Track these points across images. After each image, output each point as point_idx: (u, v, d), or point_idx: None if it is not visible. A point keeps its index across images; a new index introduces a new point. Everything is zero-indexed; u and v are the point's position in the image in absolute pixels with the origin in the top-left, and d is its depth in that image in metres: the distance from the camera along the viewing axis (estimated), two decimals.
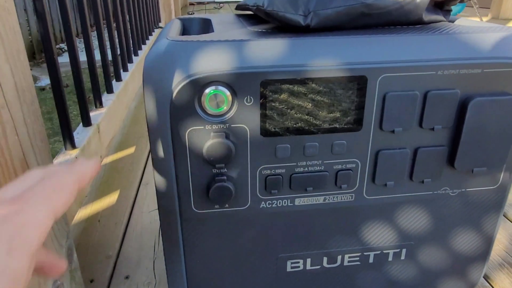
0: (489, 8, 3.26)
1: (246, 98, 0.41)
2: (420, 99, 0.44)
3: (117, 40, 1.34)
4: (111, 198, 0.91)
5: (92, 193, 0.94)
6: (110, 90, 1.17)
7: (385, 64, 0.42)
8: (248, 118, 0.42)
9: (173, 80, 0.40)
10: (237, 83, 0.41)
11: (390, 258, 0.54)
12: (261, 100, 0.42)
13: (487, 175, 0.50)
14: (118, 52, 1.33)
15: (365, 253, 0.53)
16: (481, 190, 0.51)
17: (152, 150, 0.44)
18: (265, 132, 0.43)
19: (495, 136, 0.46)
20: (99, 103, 1.04)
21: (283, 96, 0.42)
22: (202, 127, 0.42)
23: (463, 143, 0.46)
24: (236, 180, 0.45)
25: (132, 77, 1.43)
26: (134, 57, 1.59)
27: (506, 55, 0.44)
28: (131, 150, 1.16)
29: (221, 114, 0.42)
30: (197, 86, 0.40)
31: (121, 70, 1.36)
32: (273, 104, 0.42)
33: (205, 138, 0.42)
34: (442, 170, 0.48)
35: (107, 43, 1.19)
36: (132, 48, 1.57)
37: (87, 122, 0.91)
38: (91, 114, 0.99)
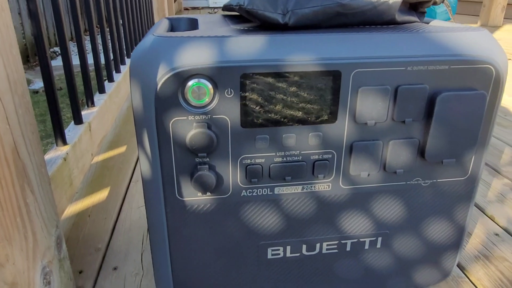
0: (478, 16, 3.33)
1: (227, 90, 0.44)
2: (391, 93, 0.47)
3: (110, 42, 1.37)
4: (102, 195, 0.93)
5: (83, 190, 0.96)
6: (102, 90, 1.19)
7: (358, 60, 0.45)
8: (229, 110, 0.45)
9: (157, 73, 0.43)
10: (218, 76, 0.43)
11: (366, 246, 0.57)
12: (241, 93, 0.44)
13: (456, 166, 0.53)
14: (111, 54, 1.35)
15: (342, 241, 0.56)
16: (451, 181, 0.54)
17: (138, 140, 0.47)
18: (245, 123, 0.46)
19: (463, 129, 0.49)
20: (91, 102, 1.06)
21: (262, 89, 0.44)
22: (185, 117, 0.45)
23: (432, 135, 0.49)
24: (218, 169, 0.48)
25: (125, 78, 1.45)
26: (127, 59, 1.61)
27: (471, 52, 0.47)
28: (122, 149, 1.18)
29: (203, 106, 0.44)
30: (181, 78, 0.43)
31: (114, 71, 1.38)
32: (252, 96, 0.45)
33: (188, 128, 0.45)
34: (414, 161, 0.51)
35: (100, 46, 1.21)
36: (125, 51, 1.59)
37: (78, 120, 0.93)
38: (83, 112, 1.01)
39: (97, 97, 1.15)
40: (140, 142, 0.47)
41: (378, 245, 0.57)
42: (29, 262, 0.50)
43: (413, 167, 0.51)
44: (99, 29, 1.28)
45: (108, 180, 1.00)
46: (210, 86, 0.44)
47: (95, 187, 0.97)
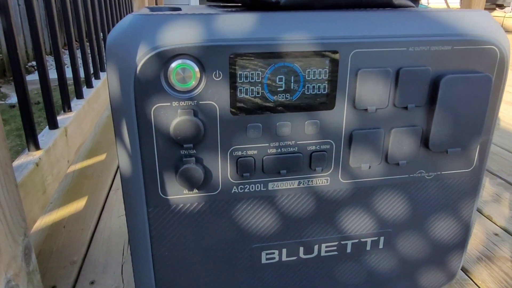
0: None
1: (214, 73, 0.40)
2: (392, 76, 0.43)
3: (88, 48, 1.31)
4: (79, 204, 0.87)
5: (58, 199, 0.89)
6: (80, 95, 1.13)
7: (357, 39, 0.42)
8: (217, 95, 0.41)
9: (137, 53, 0.38)
10: (205, 56, 0.39)
11: (368, 247, 0.52)
12: (230, 76, 0.40)
13: (462, 157, 0.49)
14: (90, 59, 1.30)
15: (342, 242, 0.51)
16: (456, 173, 0.50)
17: (116, 131, 0.42)
18: (235, 110, 0.41)
19: (468, 115, 0.46)
20: (67, 107, 1.00)
21: (254, 71, 0.40)
22: (169, 103, 0.40)
23: (436, 122, 0.46)
24: (205, 162, 0.43)
25: (104, 84, 1.40)
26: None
27: (475, 32, 0.44)
28: (101, 157, 1.12)
29: (188, 90, 0.40)
30: (163, 59, 0.38)
31: (93, 78, 1.33)
32: (243, 79, 0.40)
33: (172, 116, 0.40)
34: (417, 151, 0.47)
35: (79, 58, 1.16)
36: (104, 58, 1.53)
37: (53, 124, 0.87)
38: (59, 117, 0.95)
39: (74, 102, 1.09)
40: (118, 134, 0.42)
41: (381, 246, 0.53)
42: None
43: (417, 158, 0.48)
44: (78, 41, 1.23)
45: (86, 189, 0.93)
46: (196, 67, 0.39)
47: (72, 196, 0.90)
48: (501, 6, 4.53)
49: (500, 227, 0.82)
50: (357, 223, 0.50)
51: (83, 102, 1.09)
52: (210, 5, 0.60)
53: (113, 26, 1.70)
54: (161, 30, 0.38)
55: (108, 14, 1.63)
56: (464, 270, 0.68)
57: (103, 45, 1.51)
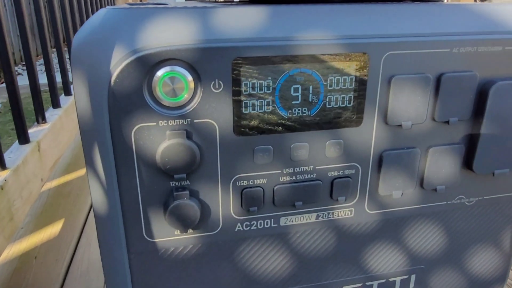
0: None
1: (213, 83, 0.31)
2: (432, 84, 0.35)
3: (67, 53, 1.21)
4: (53, 229, 0.76)
5: (30, 223, 0.79)
6: (56, 104, 1.02)
7: (391, 39, 0.33)
8: (216, 111, 0.32)
9: (111, 59, 0.29)
10: (200, 62, 0.30)
11: (397, 287, 0.44)
12: (233, 86, 0.31)
13: (509, 178, 0.41)
14: (68, 64, 1.19)
15: (367, 283, 0.42)
16: (502, 198, 0.42)
17: (87, 159, 0.33)
18: (240, 130, 0.33)
19: None
20: (41, 118, 0.90)
21: (263, 80, 0.32)
22: (154, 123, 0.31)
23: (483, 139, 0.37)
24: (202, 195, 0.34)
25: None
26: None
27: None
28: (81, 172, 1.01)
29: (180, 106, 0.31)
30: (146, 65, 0.29)
31: (72, 85, 1.22)
32: (249, 91, 0.32)
33: (158, 139, 0.31)
34: (458, 174, 0.39)
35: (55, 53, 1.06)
36: None
37: (24, 138, 0.77)
38: (31, 130, 0.85)
39: (50, 112, 0.99)
40: (89, 163, 0.32)
41: (411, 285, 0.44)
42: None
43: (457, 182, 0.40)
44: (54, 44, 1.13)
45: (63, 210, 0.83)
46: (189, 76, 0.30)
47: (46, 219, 0.80)
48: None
49: None
50: (384, 261, 0.42)
51: (60, 112, 0.99)
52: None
53: None
54: (143, 27, 0.29)
55: (88, 16, 1.53)
56: None
57: None
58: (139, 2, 0.51)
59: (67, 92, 1.14)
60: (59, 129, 0.96)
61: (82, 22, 1.45)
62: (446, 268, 0.45)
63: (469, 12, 0.36)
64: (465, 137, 0.38)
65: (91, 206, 0.86)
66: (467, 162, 0.39)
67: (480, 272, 0.46)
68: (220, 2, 0.39)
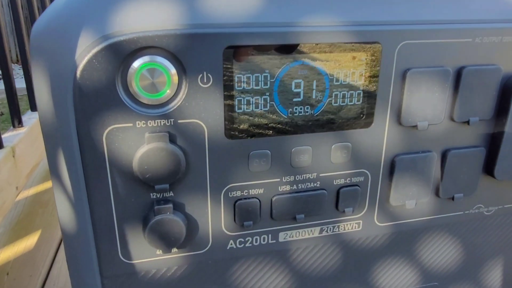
0: None
1: (201, 76, 0.26)
2: (452, 79, 0.31)
3: None
4: (28, 242, 0.71)
5: (3, 236, 0.72)
6: (35, 107, 0.96)
7: (407, 26, 0.29)
8: (205, 110, 0.27)
9: (76, 47, 0.24)
10: (186, 51, 0.25)
11: None
12: (224, 80, 0.26)
13: None
14: None
15: None
16: None
17: (51, 167, 0.27)
18: (232, 132, 0.28)
19: None
20: (17, 121, 0.84)
21: (259, 73, 0.27)
22: (131, 124, 0.26)
23: (506, 141, 0.33)
24: (188, 209, 0.29)
25: None
26: None
27: None
28: None
29: (161, 103, 0.26)
30: (119, 55, 0.24)
31: None
32: (243, 86, 0.27)
33: (136, 143, 0.26)
34: (478, 181, 0.35)
35: None
36: None
37: None
38: (5, 135, 0.79)
39: (28, 115, 0.93)
40: (53, 172, 0.27)
41: None
42: None
43: (477, 190, 0.35)
44: None
45: (40, 221, 0.77)
46: (172, 68, 0.25)
47: (21, 231, 0.74)
48: None
49: None
50: (395, 278, 0.37)
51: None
52: None
53: None
54: (116, 9, 0.25)
55: None
56: None
57: None
58: None
59: None
60: (38, 133, 0.90)
61: None
62: (461, 284, 0.40)
63: None
64: (486, 139, 0.34)
65: None
66: (487, 167, 0.35)
67: (497, 286, 0.42)
68: None
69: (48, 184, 0.93)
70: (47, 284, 0.60)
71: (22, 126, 0.85)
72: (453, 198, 0.35)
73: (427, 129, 0.32)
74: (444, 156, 0.33)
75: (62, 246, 0.70)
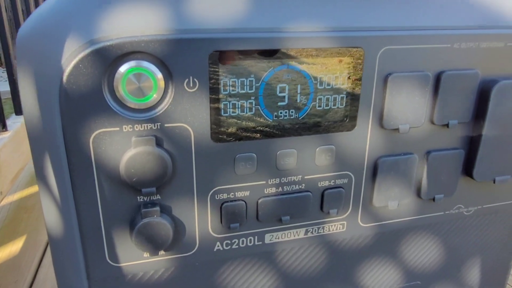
0: None
1: (187, 80, 0.26)
2: (431, 83, 0.32)
3: None
4: (13, 247, 0.70)
5: None
6: (20, 111, 0.95)
7: (388, 32, 0.30)
8: (191, 114, 0.27)
9: (63, 52, 0.24)
10: (172, 56, 0.26)
11: None
12: (210, 85, 0.27)
13: (510, 185, 0.38)
14: None
15: None
16: (502, 206, 0.39)
17: (37, 171, 0.28)
18: (218, 136, 0.28)
19: None
20: (1, 125, 0.83)
21: (245, 77, 0.27)
22: (117, 128, 0.26)
23: (484, 143, 0.34)
24: (175, 211, 0.29)
25: None
26: None
27: None
28: None
29: (148, 108, 0.26)
30: (106, 59, 0.25)
31: None
32: (229, 90, 0.27)
33: (122, 147, 0.27)
34: (457, 181, 0.36)
35: None
36: None
37: None
38: None
39: (12, 119, 0.92)
40: (40, 176, 0.27)
41: None
42: None
43: (457, 190, 0.36)
44: None
45: (25, 226, 0.76)
46: (158, 73, 0.26)
47: (5, 237, 0.73)
48: None
49: None
50: (379, 277, 0.38)
51: (23, 119, 0.92)
52: None
53: None
54: (102, 14, 0.25)
55: None
56: None
57: None
58: None
59: None
60: (22, 138, 0.89)
61: None
62: (442, 282, 0.41)
63: (472, 4, 0.33)
64: (465, 141, 0.35)
65: None
66: (467, 169, 0.36)
67: (477, 282, 0.43)
68: None
69: (33, 189, 0.92)
70: None
71: (6, 130, 0.84)
72: (434, 199, 0.36)
73: (408, 132, 0.33)
74: (425, 158, 0.34)
75: (48, 251, 0.69)
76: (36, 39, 0.25)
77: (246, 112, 0.28)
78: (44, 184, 0.27)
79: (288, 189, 0.32)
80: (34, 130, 0.26)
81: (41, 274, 0.63)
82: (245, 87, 0.28)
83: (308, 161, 0.31)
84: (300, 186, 0.32)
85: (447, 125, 0.34)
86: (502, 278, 0.44)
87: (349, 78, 0.30)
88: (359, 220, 0.35)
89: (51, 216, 0.28)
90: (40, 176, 0.27)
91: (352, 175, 0.33)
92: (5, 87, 0.88)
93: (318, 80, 0.29)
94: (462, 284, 0.42)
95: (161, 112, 0.27)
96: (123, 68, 0.25)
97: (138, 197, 0.28)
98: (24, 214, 0.81)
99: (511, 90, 0.33)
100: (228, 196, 0.30)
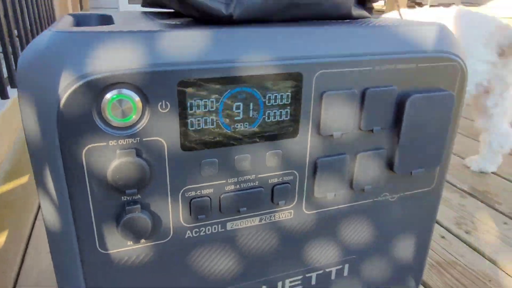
0: None
1: (160, 103, 0.33)
2: (358, 98, 0.40)
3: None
4: None
5: None
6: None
7: (322, 59, 0.37)
8: (164, 129, 0.34)
9: (59, 83, 0.30)
10: (147, 84, 0.32)
11: (333, 277, 0.49)
12: (179, 106, 0.34)
13: (424, 176, 0.47)
14: (2, 64, 1.14)
15: (307, 275, 0.47)
16: (418, 193, 0.48)
17: (37, 180, 0.34)
18: (186, 146, 0.35)
19: (431, 134, 0.44)
20: None
21: (206, 99, 0.34)
22: (105, 143, 0.33)
23: (401, 144, 0.43)
24: (153, 207, 0.36)
25: None
26: None
27: (439, 48, 0.42)
28: (23, 179, 0.98)
29: (129, 126, 0.33)
30: (95, 89, 0.31)
31: (8, 86, 1.16)
32: (194, 109, 0.34)
33: (109, 158, 0.33)
34: (382, 175, 0.45)
35: None
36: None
37: None
38: None
39: None
40: (40, 183, 0.34)
41: (345, 273, 0.49)
42: None
43: (382, 182, 0.45)
44: None
45: (6, 221, 0.81)
46: (137, 98, 0.32)
47: None
48: (419, 4, 4.84)
49: (445, 229, 0.84)
50: (322, 254, 0.47)
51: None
52: (146, 13, 0.52)
53: (30, 24, 1.51)
54: (90, 52, 0.31)
55: (25, 11, 1.45)
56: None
57: (18, 46, 1.34)
58: (81, 12, 0.51)
59: (4, 96, 1.09)
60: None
61: (28, 17, 1.38)
62: (374, 257, 0.50)
63: (388, 33, 0.41)
64: (387, 143, 0.43)
65: (36, 215, 0.84)
66: (389, 164, 0.44)
67: (404, 255, 0.53)
68: (164, 18, 0.41)
69: (9, 186, 0.95)
70: (20, 279, 0.65)
71: None
72: (364, 190, 0.44)
73: (340, 137, 0.41)
74: (355, 157, 0.43)
75: (32, 240, 0.74)
76: (35, 72, 0.31)
77: (209, 126, 0.35)
78: (44, 189, 0.34)
79: (244, 186, 0.39)
80: (35, 145, 0.32)
81: (27, 263, 0.69)
82: (208, 106, 0.35)
83: (260, 163, 0.39)
84: (254, 183, 0.39)
85: (372, 131, 0.42)
86: (423, 251, 0.54)
87: (291, 96, 0.37)
88: (303, 209, 0.43)
89: (50, 215, 0.34)
90: (40, 183, 0.33)
91: (296, 173, 0.41)
92: None
93: (267, 98, 0.37)
94: (390, 258, 0.51)
95: (140, 129, 0.33)
96: (108, 95, 0.31)
97: (123, 197, 0.35)
98: (3, 210, 0.84)
99: (421, 101, 0.42)
100: (196, 193, 0.37)
